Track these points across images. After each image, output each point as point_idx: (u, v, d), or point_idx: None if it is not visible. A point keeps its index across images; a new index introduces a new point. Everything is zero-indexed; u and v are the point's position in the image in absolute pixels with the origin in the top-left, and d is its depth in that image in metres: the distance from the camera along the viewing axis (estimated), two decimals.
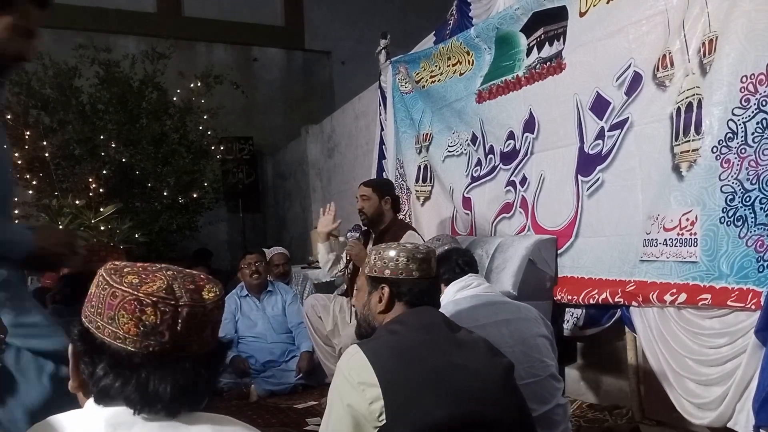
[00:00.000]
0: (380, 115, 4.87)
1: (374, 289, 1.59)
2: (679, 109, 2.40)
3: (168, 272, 0.92)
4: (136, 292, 0.87)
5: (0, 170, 1.53)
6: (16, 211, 5.87)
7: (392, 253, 1.56)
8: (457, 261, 2.11)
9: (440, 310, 1.64)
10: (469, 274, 2.08)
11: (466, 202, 3.81)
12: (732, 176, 2.15)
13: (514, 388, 1.48)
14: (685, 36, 2.40)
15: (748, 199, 2.10)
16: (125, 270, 0.91)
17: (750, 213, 2.09)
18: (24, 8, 1.52)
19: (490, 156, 3.61)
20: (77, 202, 4.76)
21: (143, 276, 0.90)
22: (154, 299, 0.87)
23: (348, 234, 3.31)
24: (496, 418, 1.39)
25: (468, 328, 1.57)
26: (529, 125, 3.29)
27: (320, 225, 3.50)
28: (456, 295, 2.00)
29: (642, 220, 2.57)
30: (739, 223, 2.12)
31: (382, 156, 4.84)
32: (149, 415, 0.87)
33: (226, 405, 3.42)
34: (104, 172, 5.68)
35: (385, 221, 3.34)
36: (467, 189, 3.81)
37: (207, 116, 6.47)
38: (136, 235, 4.98)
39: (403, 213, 4.50)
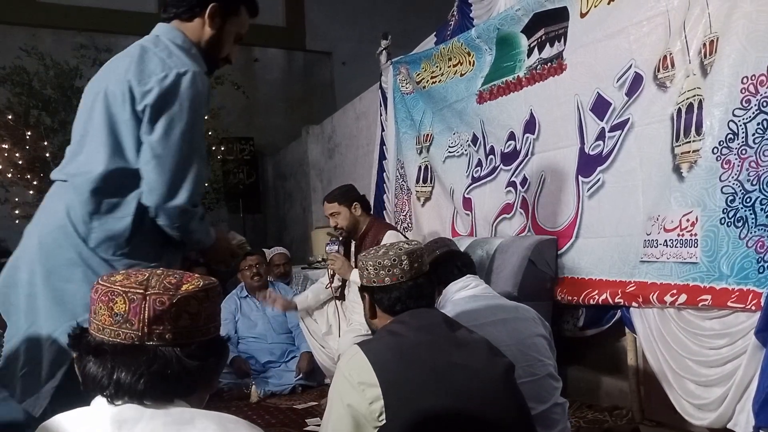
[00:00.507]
0: (381, 115, 4.87)
1: (362, 297, 1.63)
2: (679, 109, 2.40)
3: (157, 271, 0.94)
4: (112, 286, 0.90)
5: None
6: (17, 211, 5.89)
7: (363, 262, 1.59)
8: (456, 263, 2.11)
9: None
10: (468, 275, 2.08)
11: (467, 203, 3.81)
12: (732, 177, 2.15)
13: (514, 388, 1.48)
14: (686, 37, 2.40)
15: (748, 200, 2.10)
16: (120, 272, 0.94)
17: (750, 214, 2.09)
18: (243, 16, 1.69)
19: (491, 157, 3.61)
20: None
21: (130, 274, 0.93)
22: (125, 290, 0.90)
23: (327, 248, 3.28)
24: (496, 418, 1.39)
25: (467, 327, 1.57)
26: (530, 126, 3.29)
27: (293, 306, 3.52)
28: (454, 296, 2.00)
29: (642, 220, 2.57)
30: (740, 224, 2.12)
31: (382, 156, 4.84)
32: (118, 402, 0.89)
33: (227, 405, 3.42)
34: None
35: (362, 227, 3.29)
36: (468, 189, 3.81)
37: (208, 117, 6.46)
38: None
39: (404, 213, 4.50)
